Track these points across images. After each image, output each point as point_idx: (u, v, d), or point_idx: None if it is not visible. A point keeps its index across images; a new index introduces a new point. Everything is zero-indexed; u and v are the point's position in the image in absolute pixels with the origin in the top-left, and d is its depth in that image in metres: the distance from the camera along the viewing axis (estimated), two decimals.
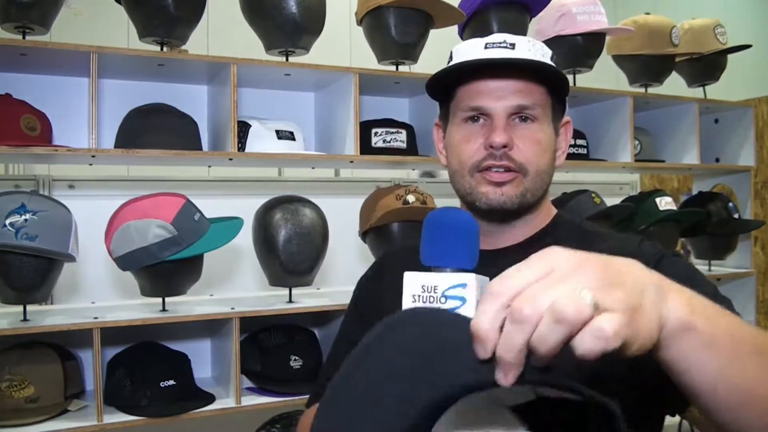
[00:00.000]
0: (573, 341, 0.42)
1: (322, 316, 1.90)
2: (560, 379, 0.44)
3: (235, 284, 2.17)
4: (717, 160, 2.57)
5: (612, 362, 0.76)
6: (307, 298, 1.85)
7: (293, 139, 1.77)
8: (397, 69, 1.88)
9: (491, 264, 0.62)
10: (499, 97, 0.90)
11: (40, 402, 1.48)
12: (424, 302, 0.61)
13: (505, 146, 0.89)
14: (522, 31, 1.95)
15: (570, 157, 2.11)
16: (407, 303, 0.61)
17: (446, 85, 0.96)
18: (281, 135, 1.75)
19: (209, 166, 2.37)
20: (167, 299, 1.64)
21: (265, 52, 1.80)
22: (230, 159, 1.68)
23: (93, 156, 1.55)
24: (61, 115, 1.68)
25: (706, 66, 2.44)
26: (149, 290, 1.60)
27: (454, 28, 2.01)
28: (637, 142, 2.26)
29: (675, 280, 0.53)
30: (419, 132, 1.97)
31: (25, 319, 1.50)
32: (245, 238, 1.73)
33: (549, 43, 2.02)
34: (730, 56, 2.46)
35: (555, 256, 0.45)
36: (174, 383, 1.60)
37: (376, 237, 1.86)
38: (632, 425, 0.83)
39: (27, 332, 1.44)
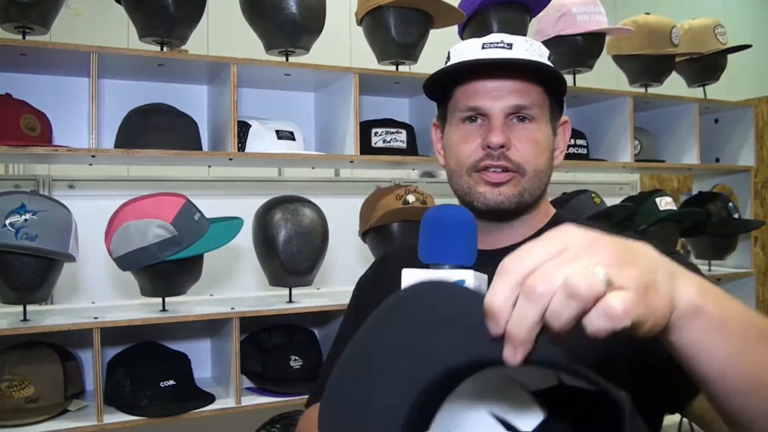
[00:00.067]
0: (584, 319, 0.43)
1: (322, 316, 1.90)
2: (567, 362, 0.44)
3: (235, 284, 2.17)
4: (717, 160, 2.57)
5: (615, 361, 0.77)
6: (307, 298, 1.85)
7: (293, 139, 1.77)
8: (397, 69, 1.88)
9: (490, 264, 0.62)
10: (496, 97, 0.90)
11: (40, 402, 1.48)
12: None
13: (502, 146, 0.89)
14: (522, 31, 1.95)
15: (570, 157, 2.11)
16: None
17: (444, 85, 0.96)
18: (281, 135, 1.75)
19: (209, 166, 2.37)
20: (167, 299, 1.64)
21: (265, 52, 1.80)
22: (230, 159, 1.68)
23: (93, 156, 1.55)
24: (61, 115, 1.68)
25: (706, 66, 2.44)
26: (149, 290, 1.60)
27: (454, 28, 2.01)
28: (637, 142, 2.26)
29: None
30: (419, 132, 1.97)
31: (25, 319, 1.50)
32: (245, 238, 1.73)
33: (549, 43, 2.02)
34: (730, 56, 2.46)
35: (568, 234, 0.46)
36: (174, 383, 1.60)
37: (376, 237, 1.87)
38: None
39: (27, 332, 1.44)
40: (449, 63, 0.95)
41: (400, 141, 1.89)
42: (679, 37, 2.26)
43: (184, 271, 1.59)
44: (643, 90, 2.31)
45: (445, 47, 0.99)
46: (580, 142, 2.17)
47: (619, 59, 2.33)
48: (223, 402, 1.63)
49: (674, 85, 2.44)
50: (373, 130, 1.87)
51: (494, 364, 0.46)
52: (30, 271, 1.43)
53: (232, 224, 1.63)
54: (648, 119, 2.43)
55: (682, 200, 2.68)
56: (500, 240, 0.97)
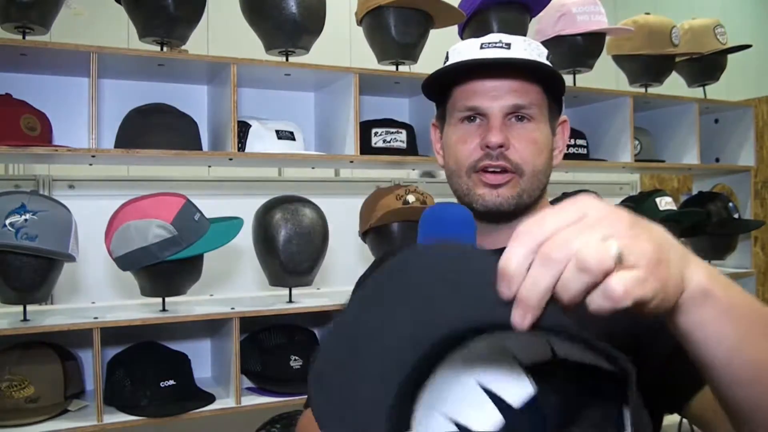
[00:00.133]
0: (587, 297, 0.43)
1: (322, 316, 1.90)
2: (575, 329, 0.44)
3: (235, 284, 2.17)
4: (717, 160, 2.57)
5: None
6: (307, 298, 1.85)
7: (293, 139, 1.77)
8: (397, 69, 1.88)
9: None
10: (494, 96, 0.90)
11: (40, 402, 1.48)
12: None
13: (501, 146, 0.89)
14: (522, 31, 1.95)
15: (570, 157, 2.11)
16: None
17: (442, 85, 0.96)
18: (281, 135, 1.75)
19: (209, 166, 2.37)
20: (167, 299, 1.64)
21: (265, 52, 1.80)
22: (230, 159, 1.68)
23: (93, 156, 1.55)
24: (61, 115, 1.68)
25: (706, 66, 2.44)
26: (149, 290, 1.60)
27: (454, 28, 2.01)
28: (637, 142, 2.26)
29: None
30: (419, 132, 1.97)
31: (25, 319, 1.50)
32: (245, 238, 1.73)
33: (549, 43, 2.02)
34: (730, 56, 2.46)
35: (587, 203, 0.46)
36: (174, 383, 1.60)
37: (376, 237, 1.87)
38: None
39: (27, 332, 1.44)
40: (448, 63, 0.95)
41: (400, 141, 1.89)
42: (679, 37, 2.26)
43: (184, 271, 1.59)
44: (643, 90, 2.31)
45: (445, 47, 0.99)
46: (580, 142, 2.17)
47: (619, 59, 2.33)
48: (223, 402, 1.63)
49: (674, 85, 2.44)
50: (373, 130, 1.87)
51: (499, 328, 0.45)
52: (30, 271, 1.43)
53: (232, 224, 1.63)
54: (648, 119, 2.43)
55: (682, 200, 2.68)
56: (499, 241, 0.96)
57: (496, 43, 0.91)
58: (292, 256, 1.70)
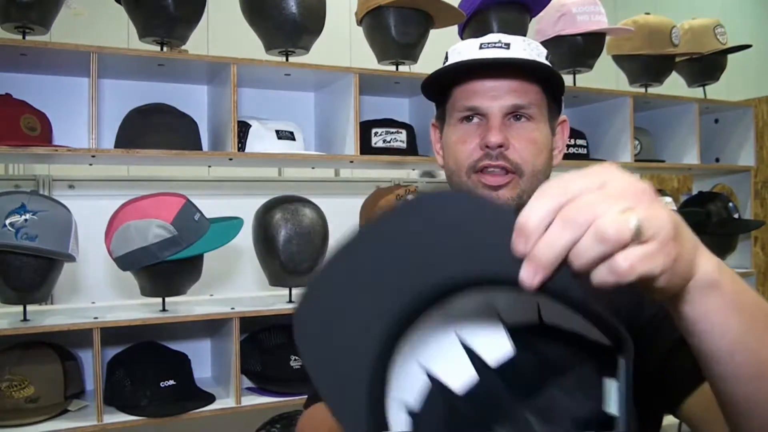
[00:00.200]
0: (593, 270, 0.43)
1: None
2: (580, 296, 0.43)
3: (235, 284, 2.17)
4: (717, 160, 2.57)
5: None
6: None
7: (293, 139, 1.77)
8: (397, 69, 1.88)
9: None
10: (494, 96, 0.90)
11: (40, 402, 1.48)
12: None
13: (500, 146, 0.89)
14: (522, 31, 1.96)
15: (570, 157, 2.11)
16: None
17: (442, 85, 0.96)
18: (281, 135, 1.75)
19: (209, 166, 2.37)
20: (167, 299, 1.64)
21: (265, 52, 1.80)
22: (230, 159, 1.68)
23: (93, 156, 1.55)
24: (61, 115, 1.68)
25: (706, 66, 2.44)
26: (149, 290, 1.60)
27: (454, 28, 2.01)
28: (637, 142, 2.26)
29: None
30: (419, 132, 1.97)
31: (25, 319, 1.50)
32: (245, 238, 1.73)
33: (549, 43, 2.02)
34: (730, 56, 2.46)
35: (612, 171, 0.45)
36: (174, 383, 1.60)
37: None
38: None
39: (27, 332, 1.44)
40: (447, 63, 0.96)
41: (400, 141, 1.89)
42: (679, 37, 2.26)
43: (184, 271, 1.59)
44: (643, 90, 2.31)
45: (445, 47, 0.99)
46: (580, 142, 2.17)
47: (619, 59, 2.33)
48: (223, 402, 1.63)
49: (674, 85, 2.44)
50: (373, 130, 1.87)
51: (497, 283, 0.45)
52: (30, 271, 1.43)
53: (232, 224, 1.63)
54: (648, 119, 2.43)
55: (682, 200, 2.68)
56: None
57: (495, 43, 0.92)
58: (292, 256, 1.70)
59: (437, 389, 0.53)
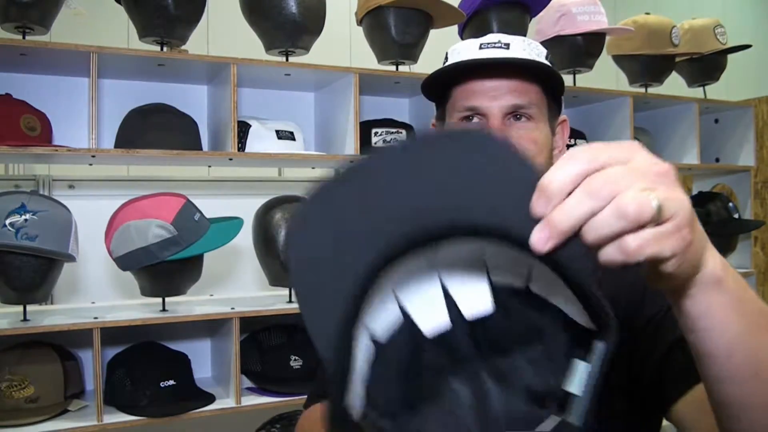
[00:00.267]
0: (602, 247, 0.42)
1: None
2: (583, 270, 0.42)
3: (235, 284, 2.17)
4: (717, 160, 2.57)
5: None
6: None
7: (293, 139, 1.77)
8: (397, 69, 1.88)
9: None
10: (494, 96, 0.90)
11: (40, 402, 1.48)
12: None
13: None
14: (522, 31, 1.96)
15: None
16: None
17: (442, 85, 0.96)
18: (281, 135, 1.75)
19: (209, 166, 2.37)
20: (167, 299, 1.64)
21: (265, 52, 1.80)
22: (230, 159, 1.68)
23: (93, 156, 1.55)
24: (61, 115, 1.68)
25: (706, 66, 2.44)
26: (149, 290, 1.60)
27: (454, 28, 2.01)
28: (637, 142, 2.26)
29: None
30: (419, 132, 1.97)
31: (25, 319, 1.50)
32: (245, 238, 1.73)
33: (549, 43, 2.02)
34: (730, 56, 2.46)
35: (638, 149, 0.45)
36: (174, 383, 1.60)
37: None
38: (630, 425, 0.84)
39: (27, 332, 1.44)
40: (447, 63, 0.96)
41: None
42: (679, 37, 2.26)
43: (184, 271, 1.59)
44: (643, 90, 2.31)
45: (445, 47, 0.99)
46: (580, 142, 2.17)
47: (619, 59, 2.33)
48: (223, 402, 1.63)
49: (674, 85, 2.44)
50: (373, 130, 1.87)
51: (508, 239, 0.43)
52: (30, 271, 1.43)
53: (232, 224, 1.63)
54: (648, 119, 2.43)
55: None
56: None
57: (495, 43, 0.92)
58: None
59: (407, 326, 0.52)
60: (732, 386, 0.53)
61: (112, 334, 1.57)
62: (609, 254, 0.42)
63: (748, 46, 2.42)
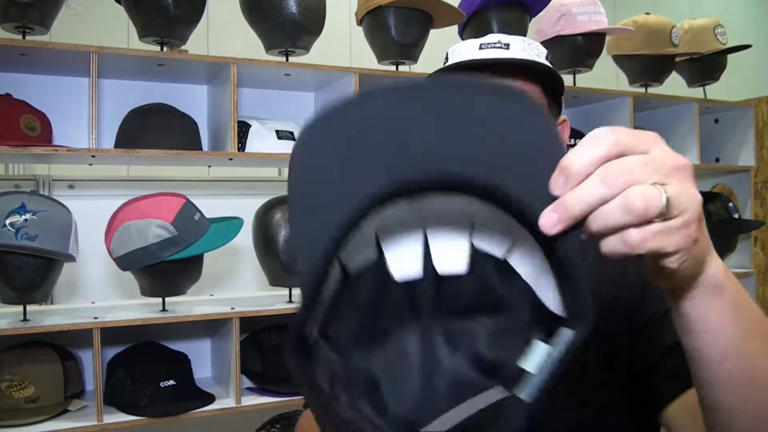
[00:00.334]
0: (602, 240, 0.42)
1: None
2: (581, 256, 0.42)
3: (235, 284, 2.17)
4: (717, 160, 2.57)
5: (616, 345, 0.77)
6: None
7: (293, 139, 1.77)
8: (397, 69, 1.88)
9: None
10: None
11: (40, 402, 1.48)
12: None
13: None
14: (522, 31, 1.96)
15: None
16: None
17: None
18: (281, 135, 1.75)
19: (209, 166, 2.37)
20: (167, 299, 1.64)
21: (265, 52, 1.80)
22: (230, 159, 1.68)
23: (93, 156, 1.55)
24: (61, 115, 1.68)
25: (706, 66, 2.44)
26: (149, 290, 1.60)
27: (454, 28, 2.01)
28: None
29: None
30: None
31: (25, 319, 1.50)
32: (245, 238, 1.73)
33: (549, 43, 2.02)
34: (730, 56, 2.46)
35: (660, 140, 0.44)
36: (174, 383, 1.60)
37: None
38: (631, 425, 0.84)
39: (27, 332, 1.44)
40: (447, 64, 0.96)
41: None
42: (679, 37, 2.26)
43: (184, 271, 1.59)
44: (643, 90, 2.31)
45: (445, 47, 0.99)
46: (580, 142, 2.17)
47: (619, 59, 2.33)
48: (223, 402, 1.63)
49: (674, 85, 2.44)
50: None
51: (507, 205, 0.42)
52: (30, 271, 1.43)
53: (232, 224, 1.63)
54: (648, 119, 2.43)
55: None
56: None
57: (494, 43, 0.92)
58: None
59: (379, 266, 0.52)
60: (724, 392, 0.53)
61: (112, 334, 1.57)
62: (611, 244, 0.42)
63: (748, 46, 2.42)
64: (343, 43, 3.14)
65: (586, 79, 2.17)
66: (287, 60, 1.78)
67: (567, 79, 2.07)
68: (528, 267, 0.49)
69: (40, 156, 1.54)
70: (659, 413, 0.76)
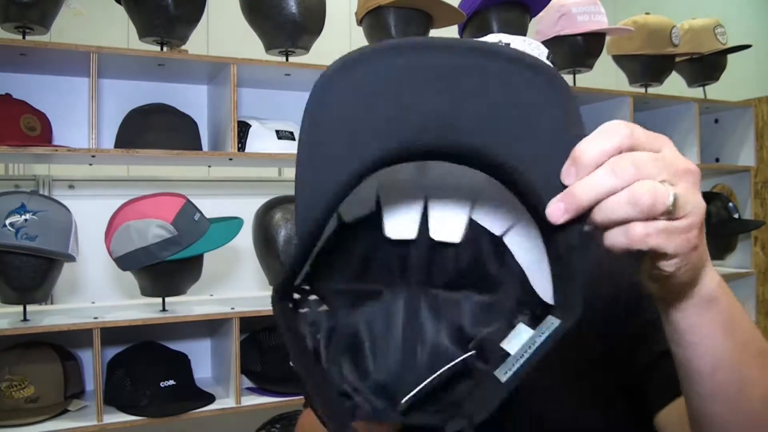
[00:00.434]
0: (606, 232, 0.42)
1: None
2: (585, 247, 0.42)
3: (235, 284, 2.17)
4: (717, 160, 2.57)
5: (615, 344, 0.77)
6: None
7: (293, 139, 1.77)
8: None
9: None
10: None
11: (40, 402, 1.48)
12: None
13: None
14: (522, 31, 1.96)
15: None
16: None
17: None
18: (281, 135, 1.75)
19: (209, 166, 2.37)
20: (167, 299, 1.64)
21: (265, 52, 1.80)
22: (230, 159, 1.68)
23: (93, 156, 1.55)
24: (61, 115, 1.68)
25: (706, 66, 2.44)
26: (149, 290, 1.60)
27: (454, 28, 2.01)
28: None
29: None
30: None
31: (25, 319, 1.50)
32: (245, 238, 1.73)
33: (549, 43, 2.02)
34: (730, 56, 2.46)
35: (670, 143, 0.44)
36: (174, 383, 1.60)
37: None
38: (631, 425, 0.84)
39: (27, 332, 1.44)
40: None
41: None
42: (679, 37, 2.26)
43: (184, 271, 1.59)
44: (643, 90, 2.31)
45: None
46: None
47: (619, 59, 2.33)
48: (223, 402, 1.63)
49: (674, 85, 2.44)
50: None
51: (514, 184, 0.42)
52: (30, 271, 1.43)
53: (232, 224, 1.63)
54: (648, 119, 2.43)
55: None
56: None
57: (495, 43, 0.92)
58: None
59: (374, 222, 0.52)
60: (713, 404, 0.53)
61: (112, 334, 1.57)
62: (614, 237, 0.42)
63: (748, 46, 2.42)
64: (343, 43, 3.13)
65: (586, 79, 2.16)
66: (287, 60, 1.78)
67: (567, 79, 2.06)
68: (524, 250, 0.49)
69: (40, 156, 1.54)
70: (652, 420, 0.76)
